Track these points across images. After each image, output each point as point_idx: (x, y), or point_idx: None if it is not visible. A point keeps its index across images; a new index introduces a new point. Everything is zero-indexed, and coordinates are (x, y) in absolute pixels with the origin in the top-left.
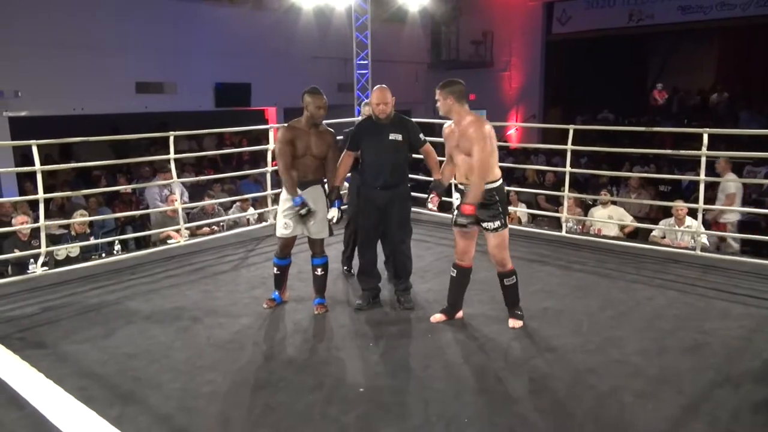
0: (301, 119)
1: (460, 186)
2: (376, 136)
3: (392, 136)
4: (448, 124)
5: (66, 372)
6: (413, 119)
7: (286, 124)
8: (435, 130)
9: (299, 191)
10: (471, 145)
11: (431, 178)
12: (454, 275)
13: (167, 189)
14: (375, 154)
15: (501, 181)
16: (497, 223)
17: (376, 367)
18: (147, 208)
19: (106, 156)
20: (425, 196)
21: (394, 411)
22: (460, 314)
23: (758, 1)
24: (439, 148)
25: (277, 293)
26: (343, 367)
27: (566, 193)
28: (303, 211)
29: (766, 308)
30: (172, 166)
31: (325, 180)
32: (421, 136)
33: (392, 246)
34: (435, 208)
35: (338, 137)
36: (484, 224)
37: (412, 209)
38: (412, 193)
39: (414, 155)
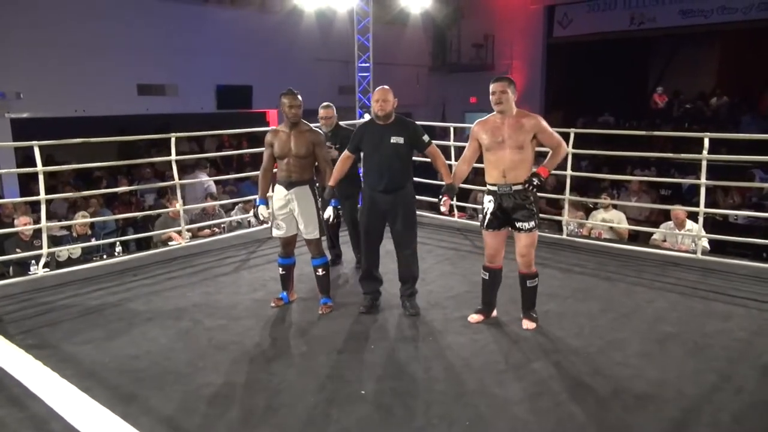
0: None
1: (492, 188)
2: (378, 139)
3: (394, 139)
4: (485, 119)
5: (68, 373)
6: (415, 122)
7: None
8: (435, 132)
9: (285, 191)
10: (533, 134)
11: (442, 182)
12: (487, 278)
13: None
14: (377, 157)
15: None
16: (532, 224)
17: (377, 369)
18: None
19: (106, 158)
20: (434, 199)
21: (395, 413)
22: (494, 313)
23: (759, 6)
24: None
25: (285, 293)
26: (345, 369)
27: (567, 196)
28: (260, 216)
29: (766, 311)
30: (174, 167)
31: (317, 181)
32: (425, 137)
33: (397, 250)
34: (447, 212)
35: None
36: (518, 224)
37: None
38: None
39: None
